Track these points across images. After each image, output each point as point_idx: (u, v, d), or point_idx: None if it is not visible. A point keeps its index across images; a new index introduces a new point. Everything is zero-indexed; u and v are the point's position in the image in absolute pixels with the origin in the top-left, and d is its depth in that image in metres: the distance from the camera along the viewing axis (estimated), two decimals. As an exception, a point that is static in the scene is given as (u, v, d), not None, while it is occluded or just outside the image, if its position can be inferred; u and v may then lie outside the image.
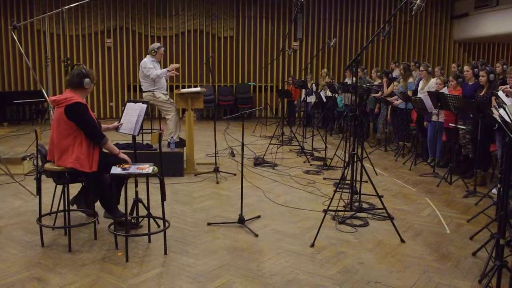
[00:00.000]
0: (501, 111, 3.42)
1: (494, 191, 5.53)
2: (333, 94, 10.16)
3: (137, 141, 6.28)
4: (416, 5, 4.05)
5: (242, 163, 4.84)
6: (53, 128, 4.13)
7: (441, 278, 3.60)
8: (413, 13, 4.00)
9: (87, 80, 4.12)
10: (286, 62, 14.01)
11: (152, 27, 13.28)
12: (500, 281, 3.19)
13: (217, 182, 6.30)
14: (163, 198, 4.03)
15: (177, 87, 12.99)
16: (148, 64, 6.79)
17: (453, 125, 6.48)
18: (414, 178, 6.81)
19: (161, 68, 7.04)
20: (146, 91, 6.85)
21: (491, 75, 6.17)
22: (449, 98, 6.30)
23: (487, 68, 6.23)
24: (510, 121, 2.91)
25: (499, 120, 3.40)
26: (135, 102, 4.45)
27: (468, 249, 4.16)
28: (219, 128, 10.92)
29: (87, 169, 4.01)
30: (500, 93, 4.76)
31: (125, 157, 4.27)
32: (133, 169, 3.84)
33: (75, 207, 4.76)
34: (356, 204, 5.14)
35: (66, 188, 4.10)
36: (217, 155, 6.90)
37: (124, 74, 13.33)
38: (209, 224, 4.68)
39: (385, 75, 9.42)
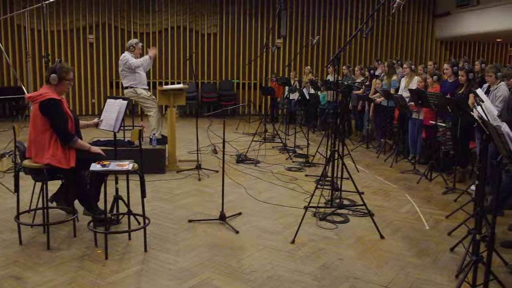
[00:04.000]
0: (479, 108, 3.47)
1: (473, 187, 5.61)
2: (316, 92, 10.20)
3: (118, 138, 6.26)
4: (396, 2, 4.08)
5: (223, 160, 4.84)
6: (30, 125, 4.08)
7: (419, 273, 3.65)
8: (393, 10, 4.03)
9: (53, 76, 4.05)
10: (270, 59, 14.00)
11: (135, 23, 13.17)
12: (476, 276, 3.24)
13: (199, 179, 6.28)
14: (143, 195, 4.01)
15: (160, 83, 12.92)
16: (128, 56, 6.73)
17: (433, 122, 6.55)
18: (395, 175, 6.88)
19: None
20: (127, 87, 6.79)
21: (470, 74, 6.25)
22: (430, 95, 6.37)
23: (466, 67, 6.32)
24: (486, 118, 2.96)
25: (477, 118, 3.45)
26: (116, 98, 4.41)
27: (446, 244, 4.22)
28: (202, 125, 10.88)
29: (64, 166, 3.97)
30: (478, 91, 4.83)
31: (98, 150, 4.23)
32: (113, 166, 3.81)
33: (54, 204, 4.72)
34: (337, 200, 5.18)
35: (44, 185, 4.05)
36: (199, 152, 6.88)
37: (107, 70, 13.20)
38: (190, 221, 4.67)
39: (368, 71, 9.50)
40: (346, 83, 7.37)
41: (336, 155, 4.81)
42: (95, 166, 3.78)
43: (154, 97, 6.96)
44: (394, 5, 4.00)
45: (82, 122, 4.47)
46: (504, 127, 2.41)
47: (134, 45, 6.89)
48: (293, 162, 7.51)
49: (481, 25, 12.15)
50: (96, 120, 4.53)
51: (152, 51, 6.94)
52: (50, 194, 4.65)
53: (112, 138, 4.55)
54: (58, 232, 4.33)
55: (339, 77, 4.85)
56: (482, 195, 3.46)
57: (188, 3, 13.38)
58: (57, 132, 3.99)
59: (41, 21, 11.83)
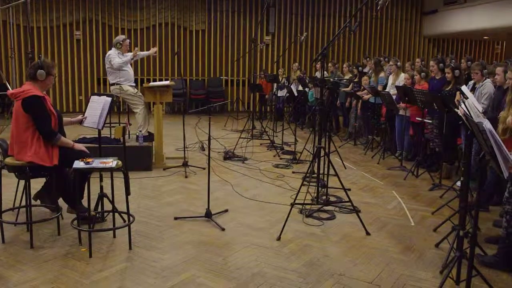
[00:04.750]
0: (463, 105, 3.48)
1: (459, 183, 5.64)
2: (304, 88, 10.20)
3: (104, 135, 6.21)
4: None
5: (209, 157, 4.82)
6: (12, 122, 4.03)
7: (404, 269, 3.66)
8: (378, 7, 4.03)
9: (40, 72, 3.99)
10: (258, 56, 13.98)
11: (122, 20, 13.07)
12: (460, 271, 3.25)
13: (186, 176, 6.26)
14: (127, 192, 3.98)
15: (148, 80, 12.84)
16: (113, 54, 6.68)
17: (420, 119, 6.58)
18: (382, 171, 6.90)
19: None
20: (113, 84, 6.74)
21: (456, 71, 6.28)
22: (416, 92, 6.40)
23: (452, 65, 6.35)
24: (469, 115, 2.96)
25: (461, 115, 3.46)
26: (100, 95, 4.37)
27: (431, 241, 4.24)
28: (190, 122, 10.85)
29: (47, 163, 3.92)
30: (464, 88, 4.85)
31: (81, 147, 4.20)
32: (96, 163, 3.77)
33: (38, 202, 4.67)
34: (324, 197, 5.18)
35: (27, 183, 4.00)
36: (186, 149, 6.85)
37: (94, 67, 13.09)
38: (176, 218, 4.65)
39: (356, 68, 9.51)
40: (332, 80, 7.38)
41: (322, 152, 4.80)
42: (78, 164, 3.74)
43: (140, 94, 6.90)
44: (379, 2, 4.00)
45: (66, 119, 4.42)
46: (486, 123, 2.42)
47: (121, 42, 6.83)
48: (280, 159, 7.51)
49: (468, 23, 12.23)
50: (80, 117, 4.47)
51: (153, 50, 6.99)
52: (34, 192, 4.62)
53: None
54: (42, 230, 4.28)
55: (325, 74, 4.83)
56: (467, 191, 3.47)
57: (176, 0, 13.30)
58: (39, 130, 3.94)
59: (26, 17, 11.71)
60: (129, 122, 7.25)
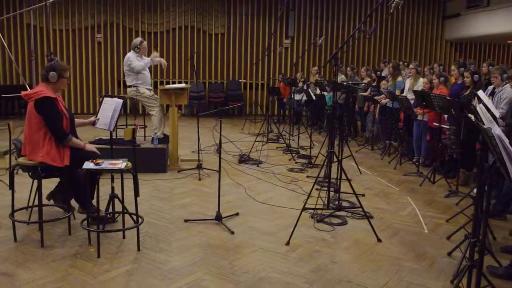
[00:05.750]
0: (477, 108, 3.41)
1: (475, 191, 5.52)
2: (322, 92, 10.13)
3: (120, 137, 6.26)
4: (395, 2, 4.01)
5: (219, 160, 4.81)
6: (26, 123, 4.09)
7: (414, 278, 3.58)
8: (391, 10, 3.97)
9: (52, 73, 4.05)
10: (277, 60, 13.96)
11: (143, 23, 13.20)
12: (471, 281, 3.17)
13: (199, 179, 6.26)
14: (136, 194, 3.99)
15: (167, 83, 12.92)
16: (132, 57, 6.72)
17: (437, 124, 6.46)
18: (398, 177, 6.80)
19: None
20: (130, 86, 6.79)
21: (475, 76, 6.15)
22: (434, 97, 6.29)
23: (471, 69, 6.22)
24: (480, 120, 2.89)
25: (473, 120, 3.38)
26: (112, 97, 4.40)
27: (444, 249, 4.15)
28: (209, 124, 10.89)
29: (58, 164, 3.97)
30: (480, 93, 4.75)
31: (92, 148, 4.24)
32: (106, 164, 3.79)
33: (52, 202, 4.73)
34: (336, 202, 5.11)
35: (39, 183, 4.05)
36: (201, 151, 6.86)
37: (114, 69, 13.25)
38: (186, 221, 4.65)
39: (374, 73, 9.41)
40: (349, 84, 7.31)
41: (334, 157, 4.74)
42: (88, 165, 3.77)
43: (156, 96, 6.94)
44: (392, 5, 3.94)
45: (78, 120, 4.46)
46: (495, 129, 2.34)
47: (138, 45, 6.85)
48: (295, 163, 7.46)
49: (490, 27, 11.99)
50: (92, 118, 4.52)
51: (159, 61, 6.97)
52: (47, 192, 4.68)
53: (114, 137, 4.57)
54: (53, 230, 4.33)
55: (337, 78, 4.78)
56: (481, 199, 3.38)
57: (196, 3, 13.39)
58: (51, 131, 3.99)
59: (49, 20, 11.92)
60: (144, 124, 7.30)
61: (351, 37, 4.33)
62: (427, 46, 14.74)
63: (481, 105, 3.01)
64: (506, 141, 2.35)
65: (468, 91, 6.23)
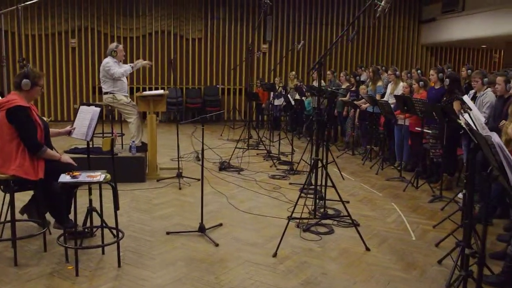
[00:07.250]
0: (466, 116, 3.34)
1: (460, 195, 5.50)
2: (301, 97, 10.06)
3: (97, 145, 6.04)
4: (380, 7, 3.94)
5: (202, 169, 4.65)
6: (-3, 133, 3.86)
7: (406, 287, 3.50)
8: (377, 15, 3.90)
9: (25, 81, 3.84)
10: (255, 65, 13.86)
11: (118, 28, 12.94)
12: (465, 292, 3.09)
13: (180, 188, 6.09)
14: (116, 207, 3.81)
15: (144, 89, 12.69)
16: (111, 63, 6.50)
17: (419, 129, 6.44)
18: (381, 182, 6.74)
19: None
20: (107, 93, 6.57)
21: (446, 80, 6.19)
22: (415, 102, 6.26)
23: (447, 72, 6.25)
24: (474, 127, 2.82)
25: (464, 126, 3.31)
26: (89, 105, 4.21)
27: (433, 256, 4.08)
28: (186, 131, 10.69)
29: (32, 177, 3.75)
30: (465, 98, 4.71)
31: (68, 159, 4.04)
32: (83, 177, 3.60)
33: (25, 216, 4.49)
34: (321, 210, 5.01)
35: (11, 197, 3.82)
36: (181, 159, 6.68)
37: (89, 75, 12.94)
38: (168, 233, 4.47)
39: (353, 77, 9.39)
40: (330, 89, 7.24)
41: (320, 164, 4.64)
42: (64, 177, 3.57)
43: (134, 103, 6.74)
44: (379, 9, 3.87)
45: (53, 130, 4.25)
46: (495, 137, 2.27)
47: (115, 49, 6.64)
48: (277, 169, 7.35)
49: (466, 31, 12.13)
50: (68, 128, 4.31)
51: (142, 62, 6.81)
52: (21, 206, 4.44)
53: (91, 146, 4.38)
54: (28, 247, 4.10)
55: (322, 83, 4.69)
56: (471, 206, 3.31)
57: (172, 7, 13.20)
58: (24, 142, 3.78)
59: (21, 25, 11.58)
60: (121, 132, 7.09)
61: (335, 43, 4.25)
62: (404, 50, 14.85)
63: (474, 111, 2.94)
64: (506, 149, 2.28)
65: (446, 96, 6.23)
